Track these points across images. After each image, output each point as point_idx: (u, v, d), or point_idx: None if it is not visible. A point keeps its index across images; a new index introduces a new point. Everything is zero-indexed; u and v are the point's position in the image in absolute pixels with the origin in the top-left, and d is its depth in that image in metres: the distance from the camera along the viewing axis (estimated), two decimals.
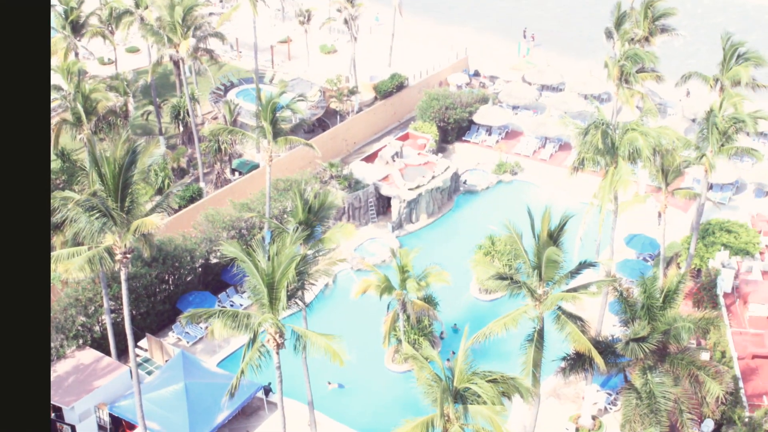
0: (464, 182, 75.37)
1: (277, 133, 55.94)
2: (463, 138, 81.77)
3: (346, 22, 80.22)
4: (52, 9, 72.40)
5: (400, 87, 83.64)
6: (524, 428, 47.26)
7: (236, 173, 72.01)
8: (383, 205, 70.89)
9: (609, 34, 71.51)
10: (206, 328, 56.17)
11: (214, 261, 59.59)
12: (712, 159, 52.29)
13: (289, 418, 44.09)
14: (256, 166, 71.85)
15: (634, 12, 70.45)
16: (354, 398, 53.05)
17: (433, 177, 71.10)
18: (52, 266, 41.27)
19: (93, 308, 52.98)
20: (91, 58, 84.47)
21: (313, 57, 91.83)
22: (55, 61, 68.73)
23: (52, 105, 61.08)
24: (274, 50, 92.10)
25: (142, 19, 73.28)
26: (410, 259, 52.07)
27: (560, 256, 39.09)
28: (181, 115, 73.66)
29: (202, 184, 69.34)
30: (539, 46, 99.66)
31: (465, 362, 35.68)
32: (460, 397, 35.29)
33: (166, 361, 53.44)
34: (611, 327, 53.71)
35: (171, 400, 48.09)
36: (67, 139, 64.55)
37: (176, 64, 74.96)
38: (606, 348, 42.17)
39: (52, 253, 41.28)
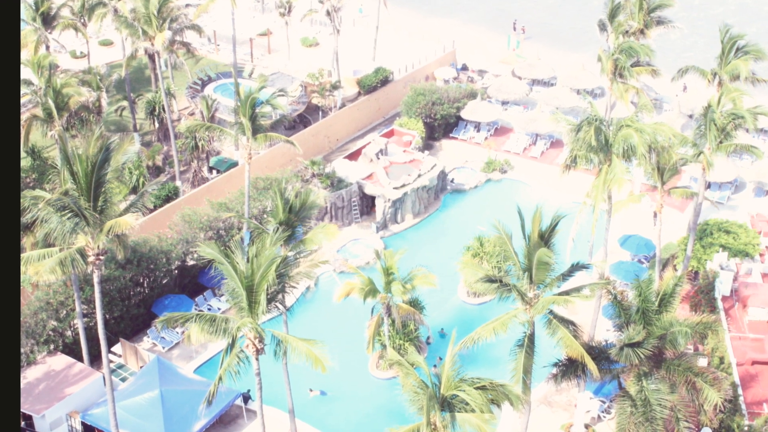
0: (452, 181, 74.98)
1: (256, 130, 55.86)
2: (451, 135, 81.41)
3: (328, 13, 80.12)
4: (21, 0, 71.63)
5: (385, 81, 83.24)
6: None
7: (214, 171, 71.81)
8: (367, 204, 70.61)
9: (602, 27, 71.36)
10: (183, 332, 56.05)
11: (191, 263, 59.42)
12: (709, 156, 52.50)
13: (269, 427, 44.33)
14: (234, 164, 71.73)
15: (628, 3, 70.26)
16: (337, 406, 52.90)
17: (419, 175, 70.65)
18: (22, 268, 41.78)
19: (65, 312, 52.87)
20: (62, 51, 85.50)
21: (294, 50, 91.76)
22: (25, 54, 68.38)
23: (22, 100, 60.80)
24: (253, 43, 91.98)
25: (115, 10, 72.83)
26: (395, 261, 51.98)
27: (552, 257, 39.00)
28: (157, 110, 73.49)
29: (178, 183, 69.03)
30: (530, 39, 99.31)
31: (452, 368, 35.74)
32: (447, 404, 35.30)
33: (141, 367, 53.71)
34: (605, 332, 53.75)
35: (146, 408, 48.01)
36: (38, 136, 64.30)
37: (151, 57, 74.83)
38: (599, 353, 41.84)
39: (21, 255, 41.03)
